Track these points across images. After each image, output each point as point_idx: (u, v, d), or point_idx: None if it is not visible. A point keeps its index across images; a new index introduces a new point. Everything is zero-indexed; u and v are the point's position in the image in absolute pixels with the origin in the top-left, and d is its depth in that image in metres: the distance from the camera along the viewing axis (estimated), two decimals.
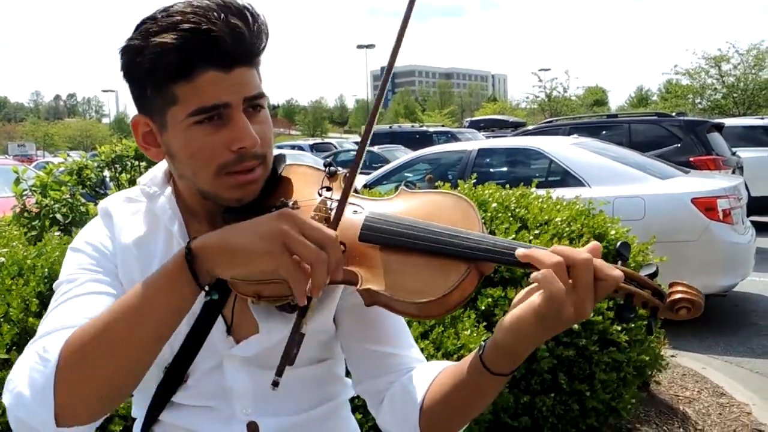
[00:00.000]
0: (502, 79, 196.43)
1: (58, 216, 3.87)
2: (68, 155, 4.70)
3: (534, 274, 0.87)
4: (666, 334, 4.57)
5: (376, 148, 18.90)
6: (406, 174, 7.43)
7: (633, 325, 2.64)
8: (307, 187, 1.08)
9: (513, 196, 3.02)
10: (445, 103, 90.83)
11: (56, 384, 0.83)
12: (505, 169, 6.90)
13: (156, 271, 0.88)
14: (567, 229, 2.82)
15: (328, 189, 1.07)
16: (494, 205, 2.89)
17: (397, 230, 0.96)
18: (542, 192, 3.25)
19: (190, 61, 0.93)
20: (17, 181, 4.14)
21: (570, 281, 0.85)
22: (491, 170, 6.93)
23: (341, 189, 1.06)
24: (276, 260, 0.84)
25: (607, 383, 2.55)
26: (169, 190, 1.10)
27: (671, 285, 0.92)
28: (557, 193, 3.29)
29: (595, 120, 11.01)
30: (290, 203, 1.03)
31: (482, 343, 0.95)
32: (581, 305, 0.85)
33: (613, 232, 2.93)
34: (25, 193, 4.09)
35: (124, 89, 1.09)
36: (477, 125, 24.48)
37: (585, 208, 3.06)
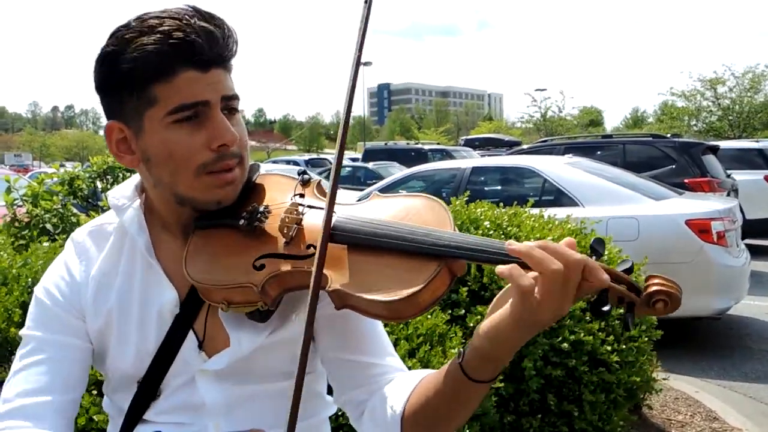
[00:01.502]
0: (498, 98, 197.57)
1: (48, 226, 3.85)
2: (61, 166, 4.68)
3: (498, 269, 0.84)
4: (659, 357, 4.56)
5: (371, 165, 18.95)
6: (399, 191, 7.43)
7: (624, 346, 2.62)
8: (280, 194, 1.07)
9: (506, 215, 3.01)
10: (441, 121, 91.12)
11: None
12: (498, 187, 6.90)
13: None
14: None
15: (302, 196, 1.06)
16: (486, 223, 2.88)
17: (366, 230, 0.95)
18: (536, 211, 3.25)
19: (170, 62, 0.94)
20: (8, 191, 4.12)
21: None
22: (485, 188, 6.94)
23: (314, 195, 1.06)
24: None
25: (596, 405, 2.53)
26: (137, 202, 1.09)
27: (648, 278, 0.89)
28: (550, 212, 3.28)
29: (590, 140, 11.03)
30: (261, 208, 1.02)
31: (460, 349, 0.92)
32: (561, 305, 0.82)
33: (606, 252, 2.92)
34: (16, 202, 4.08)
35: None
36: (472, 144, 24.61)
37: (577, 227, 3.05)
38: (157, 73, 0.95)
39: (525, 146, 12.77)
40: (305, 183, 1.09)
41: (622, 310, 0.90)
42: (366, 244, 0.94)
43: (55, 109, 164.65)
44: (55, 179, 4.21)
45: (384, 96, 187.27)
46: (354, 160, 26.06)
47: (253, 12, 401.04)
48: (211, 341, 1.05)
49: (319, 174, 18.01)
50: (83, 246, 1.11)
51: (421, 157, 18.81)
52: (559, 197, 5.95)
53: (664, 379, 3.65)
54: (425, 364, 2.11)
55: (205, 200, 1.01)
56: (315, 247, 0.93)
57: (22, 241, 3.38)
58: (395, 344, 2.09)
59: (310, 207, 1.03)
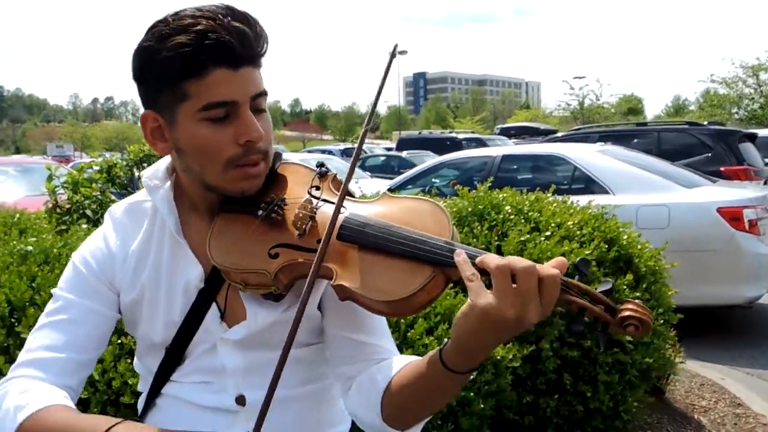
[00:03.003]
0: (536, 86, 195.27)
1: (88, 212, 4.01)
2: (100, 155, 4.86)
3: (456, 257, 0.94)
4: (688, 344, 4.55)
5: (404, 154, 18.99)
6: (433, 180, 7.47)
7: None
8: (298, 185, 1.16)
9: (527, 200, 3.06)
10: (477, 110, 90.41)
11: None
12: (529, 175, 6.90)
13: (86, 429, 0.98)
14: (578, 232, 2.85)
15: (317, 188, 1.14)
16: (508, 208, 2.94)
17: (372, 232, 1.03)
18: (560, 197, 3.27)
19: (202, 61, 1.02)
20: (50, 178, 4.30)
21: (514, 285, 0.89)
22: (515, 176, 6.94)
23: (329, 190, 1.14)
24: None
25: (610, 385, 2.58)
26: (168, 183, 1.18)
27: (623, 302, 0.97)
28: (581, 200, 3.29)
29: (624, 128, 10.92)
30: (278, 201, 1.11)
31: (447, 339, 1.00)
32: (523, 308, 0.89)
33: (625, 237, 2.96)
34: (57, 189, 4.25)
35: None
36: (507, 132, 24.37)
37: (598, 212, 3.09)
38: (189, 70, 1.02)
39: (559, 134, 12.67)
40: (322, 176, 1.17)
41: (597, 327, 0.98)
42: (370, 244, 1.02)
43: (95, 100, 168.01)
44: (95, 167, 4.38)
45: (420, 85, 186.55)
46: (388, 149, 26.11)
47: (290, 2, 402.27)
48: (231, 313, 1.15)
49: None
50: (120, 221, 1.21)
51: (455, 146, 18.74)
52: (589, 185, 5.94)
53: (680, 362, 3.66)
54: (442, 342, 2.19)
55: (231, 190, 1.11)
56: (328, 240, 1.02)
57: (63, 226, 3.54)
58: (413, 322, 2.18)
59: (324, 201, 1.12)
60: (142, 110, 1.14)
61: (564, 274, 0.94)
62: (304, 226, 1.08)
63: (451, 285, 1.05)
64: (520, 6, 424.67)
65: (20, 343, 1.17)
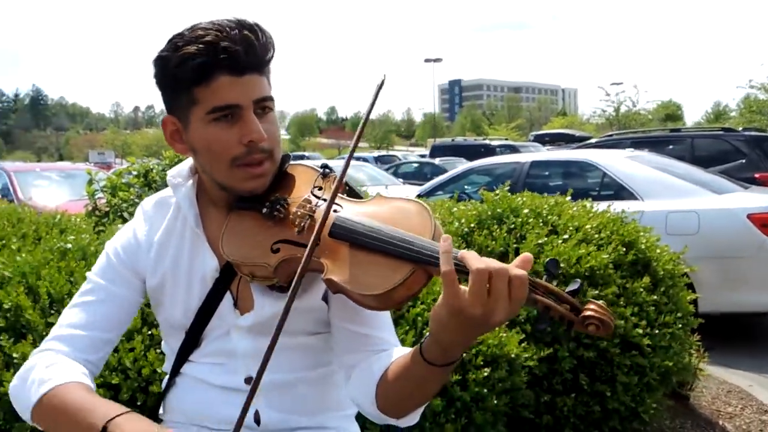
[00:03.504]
0: (572, 93, 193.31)
1: (125, 214, 4.18)
2: (137, 161, 5.03)
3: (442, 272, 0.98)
4: (716, 351, 4.52)
5: (437, 161, 19.07)
6: (465, 187, 7.52)
7: (657, 331, 2.70)
8: (303, 184, 1.26)
9: (546, 204, 3.12)
10: (513, 117, 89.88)
11: (32, 416, 1.15)
12: (558, 181, 6.91)
13: (90, 416, 1.06)
14: (596, 235, 2.90)
15: (320, 188, 1.24)
16: (526, 211, 3.01)
17: (360, 230, 1.12)
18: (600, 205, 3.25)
19: (208, 68, 1.13)
20: (90, 183, 4.49)
21: (487, 286, 0.95)
22: (544, 182, 6.95)
23: (330, 189, 1.23)
24: None
25: (629, 386, 2.62)
26: (191, 182, 1.30)
27: (586, 302, 1.03)
28: (609, 206, 3.30)
29: (657, 134, 10.83)
30: (282, 199, 1.21)
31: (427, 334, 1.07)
32: (492, 307, 0.95)
33: (643, 240, 2.99)
34: (96, 193, 4.44)
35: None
36: (542, 139, 24.28)
37: (617, 216, 3.13)
38: (198, 77, 1.14)
39: (593, 141, 12.61)
40: (325, 177, 1.27)
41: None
42: (359, 242, 1.12)
43: (136, 109, 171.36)
44: (133, 172, 4.55)
45: (455, 92, 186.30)
46: (422, 156, 26.18)
47: (325, 13, 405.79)
48: (243, 302, 1.26)
49: (387, 170, 18.25)
50: (149, 213, 1.34)
51: (488, 152, 18.72)
52: (618, 191, 5.94)
53: (700, 369, 3.66)
54: None
55: (240, 189, 1.22)
56: (319, 239, 1.12)
57: (101, 227, 3.70)
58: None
59: (324, 201, 1.21)
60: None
61: (533, 273, 1.01)
62: (303, 224, 1.18)
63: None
64: (556, 12, 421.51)
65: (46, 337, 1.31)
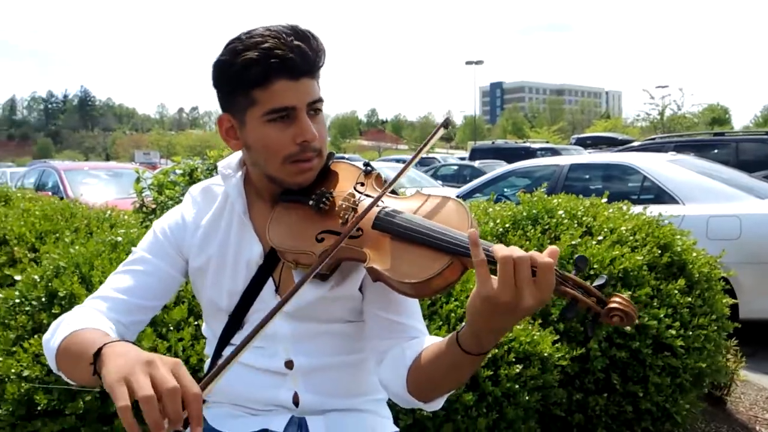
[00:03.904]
0: (617, 95, 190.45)
1: None
2: (183, 161, 5.19)
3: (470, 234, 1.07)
4: (758, 358, 4.46)
5: (477, 163, 19.04)
6: (504, 189, 7.53)
7: (691, 333, 2.71)
8: (346, 180, 1.35)
9: (582, 205, 3.15)
10: (555, 119, 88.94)
11: (57, 362, 1.21)
12: (598, 184, 6.87)
13: (91, 343, 1.07)
14: (631, 237, 2.92)
15: (362, 184, 1.33)
16: (561, 212, 3.04)
17: (401, 223, 1.20)
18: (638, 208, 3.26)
19: (267, 73, 1.22)
20: (137, 181, 4.66)
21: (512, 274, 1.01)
22: (584, 185, 6.92)
23: (372, 186, 1.32)
24: (115, 386, 0.94)
25: (661, 387, 2.63)
26: (240, 174, 1.39)
27: (611, 296, 1.09)
28: (650, 209, 3.31)
29: (701, 138, 10.66)
30: (327, 193, 1.30)
31: (464, 323, 1.14)
32: (519, 294, 1.01)
33: (679, 243, 3.00)
34: (143, 191, 4.61)
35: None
36: (583, 142, 23.98)
37: (652, 218, 3.14)
38: (257, 81, 1.23)
39: (635, 144, 12.47)
40: (367, 174, 1.36)
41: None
42: (399, 234, 1.20)
43: (180, 110, 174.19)
44: (178, 171, 4.70)
45: (496, 95, 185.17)
46: (462, 158, 26.15)
47: (367, 15, 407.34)
48: (285, 287, 1.34)
49: (426, 172, 18.31)
50: (196, 198, 1.45)
51: (529, 155, 18.59)
52: (659, 195, 5.89)
53: (737, 374, 3.63)
54: None
55: (288, 182, 1.31)
56: (362, 230, 1.22)
57: (147, 223, 3.85)
58: (462, 317, 2.31)
59: (366, 196, 1.30)
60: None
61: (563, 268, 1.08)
62: (346, 216, 1.26)
63: None
64: (601, 13, 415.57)
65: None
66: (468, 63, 68.11)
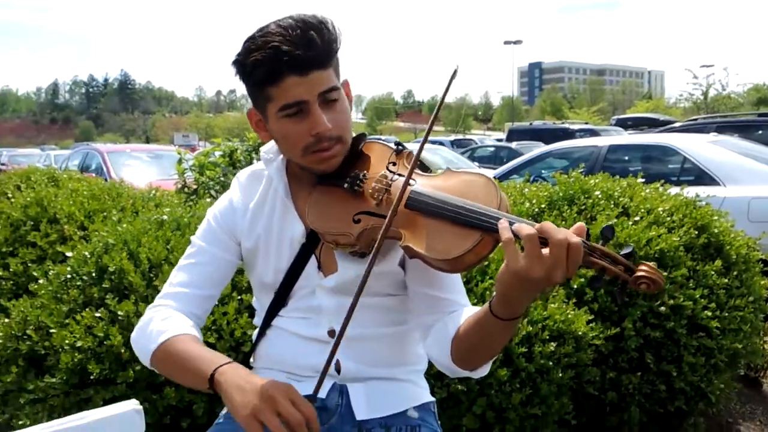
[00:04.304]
0: (659, 75, 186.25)
1: (212, 191, 4.44)
2: (223, 143, 5.30)
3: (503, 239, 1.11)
4: None
5: (514, 144, 18.89)
6: (542, 171, 7.49)
7: (726, 314, 2.71)
8: (378, 161, 1.40)
9: (618, 186, 3.14)
10: (595, 100, 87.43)
11: (151, 361, 1.35)
12: (637, 165, 6.79)
13: (200, 364, 1.24)
14: (668, 218, 2.91)
15: (394, 164, 1.38)
16: (597, 192, 3.04)
17: (433, 202, 1.25)
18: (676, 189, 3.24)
19: (276, 71, 1.27)
20: (180, 162, 4.79)
21: (544, 251, 1.07)
22: (623, 166, 6.85)
23: (404, 165, 1.37)
24: (248, 423, 1.12)
25: (695, 367, 2.63)
26: (280, 158, 1.47)
27: (638, 264, 1.13)
28: (690, 191, 3.29)
29: (744, 119, 10.43)
30: (361, 175, 1.36)
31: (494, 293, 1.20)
32: (552, 271, 1.07)
33: (716, 224, 2.98)
34: (185, 172, 4.73)
35: None
36: (624, 123, 23.56)
37: (690, 199, 3.12)
38: (268, 78, 1.29)
39: (677, 125, 12.24)
40: (398, 153, 1.40)
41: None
42: (432, 212, 1.25)
43: (218, 93, 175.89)
44: (218, 153, 4.81)
45: (535, 75, 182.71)
46: (499, 140, 25.97)
47: None
48: (326, 264, 1.42)
49: (462, 153, 18.24)
50: (243, 183, 1.53)
51: (567, 136, 18.31)
52: (700, 176, 5.81)
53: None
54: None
55: (314, 170, 1.38)
56: (397, 210, 1.25)
57: (190, 203, 3.96)
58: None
59: (399, 176, 1.35)
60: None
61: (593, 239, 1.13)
62: (380, 197, 1.32)
63: None
64: None
65: (158, 294, 1.50)
66: (506, 43, 67.10)
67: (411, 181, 1.30)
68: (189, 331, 1.34)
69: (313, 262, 1.42)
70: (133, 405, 0.87)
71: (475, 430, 2.20)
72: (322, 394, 1.40)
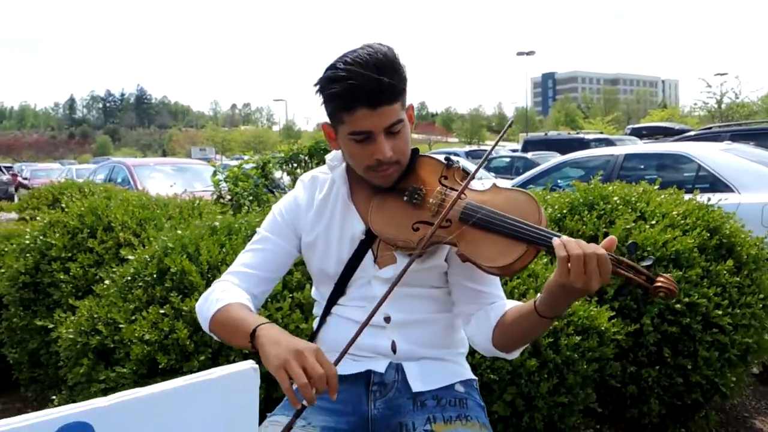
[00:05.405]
0: (674, 84, 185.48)
1: (245, 202, 4.67)
2: (239, 158, 5.55)
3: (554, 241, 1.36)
4: None
5: (529, 155, 19.03)
6: (559, 181, 7.66)
7: (738, 311, 2.88)
8: (431, 174, 1.63)
9: (635, 192, 3.34)
10: (609, 110, 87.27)
11: (210, 325, 1.56)
12: (653, 174, 6.94)
13: (245, 324, 1.42)
14: (682, 221, 3.10)
15: (445, 178, 1.61)
16: (616, 198, 3.24)
17: (483, 216, 1.48)
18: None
19: (350, 103, 1.49)
20: (214, 173, 5.04)
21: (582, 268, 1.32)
22: (639, 175, 6.99)
23: (454, 179, 1.60)
24: (277, 372, 1.28)
25: (710, 361, 2.81)
26: (344, 164, 1.69)
27: (657, 275, 1.38)
28: (696, 192, 3.47)
29: (757, 127, 10.54)
30: (419, 189, 1.58)
31: (539, 294, 1.44)
32: (588, 282, 1.31)
33: (728, 226, 3.16)
34: (220, 184, 4.98)
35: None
36: (639, 133, 23.62)
37: (702, 203, 3.30)
38: (342, 107, 1.51)
39: (691, 134, 12.35)
40: (449, 167, 1.63)
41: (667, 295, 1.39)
42: (483, 224, 1.48)
43: (233, 106, 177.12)
44: (251, 165, 5.06)
45: (548, 85, 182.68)
46: (514, 150, 26.11)
47: (416, 7, 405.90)
48: (382, 258, 1.64)
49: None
50: (306, 184, 1.75)
51: (582, 146, 18.42)
52: (714, 183, 5.94)
53: None
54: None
55: (372, 183, 1.61)
56: (451, 221, 1.50)
57: (230, 212, 4.19)
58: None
59: (451, 189, 1.57)
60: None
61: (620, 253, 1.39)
62: (436, 209, 1.55)
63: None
64: (656, 0, 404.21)
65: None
66: (519, 54, 67.52)
67: (462, 195, 1.52)
68: (243, 301, 1.53)
69: (369, 255, 1.63)
70: (250, 364, 1.05)
71: (506, 416, 2.39)
72: (381, 369, 1.62)
